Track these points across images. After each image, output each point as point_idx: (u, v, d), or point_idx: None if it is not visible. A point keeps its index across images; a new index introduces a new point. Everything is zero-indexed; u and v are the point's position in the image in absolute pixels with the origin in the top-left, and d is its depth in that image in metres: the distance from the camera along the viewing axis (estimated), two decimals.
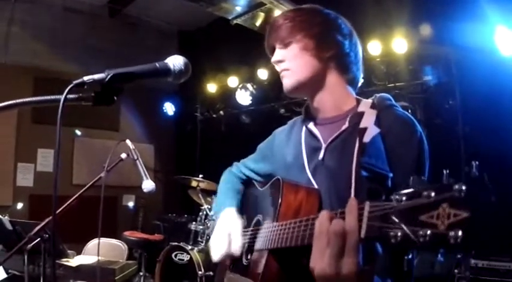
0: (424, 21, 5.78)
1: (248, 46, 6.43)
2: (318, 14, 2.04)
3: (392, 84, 6.35)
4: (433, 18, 5.62)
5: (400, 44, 6.04)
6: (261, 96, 8.17)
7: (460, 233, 0.91)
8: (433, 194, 0.98)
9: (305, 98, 2.12)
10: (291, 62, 1.98)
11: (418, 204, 1.01)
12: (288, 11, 2.13)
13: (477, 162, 0.96)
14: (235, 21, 7.29)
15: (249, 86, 8.20)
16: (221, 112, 9.44)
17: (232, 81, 8.81)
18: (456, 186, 0.94)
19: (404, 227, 1.02)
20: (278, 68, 2.04)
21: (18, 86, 8.38)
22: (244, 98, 8.32)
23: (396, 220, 1.05)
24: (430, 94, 6.06)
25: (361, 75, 2.10)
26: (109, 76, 1.46)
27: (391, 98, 1.97)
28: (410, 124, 1.84)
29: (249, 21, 7.30)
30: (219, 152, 8.38)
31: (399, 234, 1.03)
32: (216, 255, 2.11)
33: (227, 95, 9.12)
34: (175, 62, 1.62)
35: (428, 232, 0.96)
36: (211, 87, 9.52)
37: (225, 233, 2.10)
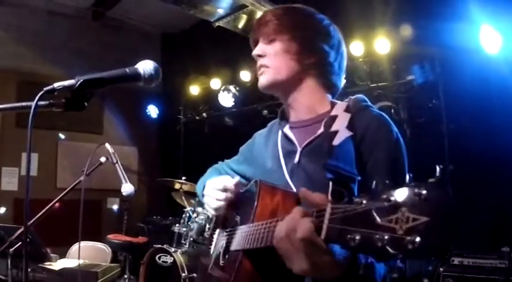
0: (407, 21, 5.77)
1: (231, 48, 6.46)
2: (309, 17, 2.04)
3: (375, 84, 6.37)
4: (417, 18, 5.62)
5: (383, 44, 6.05)
6: (244, 98, 8.17)
7: (417, 238, 0.88)
8: (392, 197, 0.96)
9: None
10: (271, 60, 1.99)
11: (377, 208, 0.98)
12: (281, 7, 2.10)
13: (441, 166, 0.93)
14: (217, 24, 7.28)
15: (231, 88, 8.19)
16: (204, 114, 9.42)
17: (215, 83, 8.81)
18: (416, 190, 0.91)
19: (362, 231, 1.00)
20: (258, 62, 2.05)
21: (1, 89, 8.32)
22: (227, 99, 8.32)
23: (355, 223, 1.03)
24: (414, 93, 6.06)
25: (342, 83, 2.10)
26: (79, 82, 1.48)
27: (366, 99, 1.98)
28: (386, 125, 1.84)
29: (231, 24, 7.28)
30: (202, 154, 8.35)
31: (357, 237, 1.01)
32: (212, 204, 2.10)
33: (210, 97, 9.12)
34: (146, 66, 1.63)
35: (386, 236, 0.93)
36: (194, 90, 9.51)
37: (220, 183, 2.08)
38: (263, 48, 2.02)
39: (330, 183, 1.46)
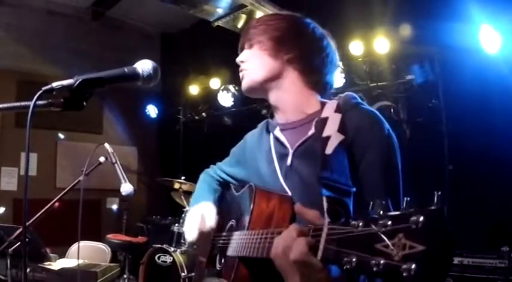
0: (407, 21, 5.76)
1: (230, 48, 6.41)
2: (289, 20, 2.02)
3: (375, 84, 6.36)
4: (416, 18, 5.61)
5: (382, 43, 6.05)
6: (243, 97, 8.03)
7: (413, 266, 0.87)
8: (389, 222, 0.96)
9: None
10: (249, 62, 1.99)
11: (374, 232, 0.99)
12: (265, 15, 2.14)
13: (439, 193, 0.92)
14: (216, 23, 7.27)
15: (230, 87, 8.20)
16: (204, 114, 9.43)
17: (215, 83, 8.81)
18: (413, 218, 0.91)
19: (359, 254, 1.01)
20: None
21: (1, 89, 8.33)
22: (226, 99, 8.34)
23: (352, 246, 1.04)
24: (413, 93, 6.05)
25: (333, 83, 2.06)
26: (77, 82, 1.48)
27: (356, 96, 1.92)
28: (377, 122, 1.81)
29: (231, 23, 7.27)
30: (202, 153, 8.34)
31: (354, 260, 1.02)
32: (190, 234, 2.13)
33: (209, 96, 9.14)
34: (144, 66, 1.62)
35: (382, 261, 0.94)
36: (194, 89, 9.51)
37: (198, 214, 2.14)
38: (244, 54, 2.03)
39: (325, 200, 1.46)
